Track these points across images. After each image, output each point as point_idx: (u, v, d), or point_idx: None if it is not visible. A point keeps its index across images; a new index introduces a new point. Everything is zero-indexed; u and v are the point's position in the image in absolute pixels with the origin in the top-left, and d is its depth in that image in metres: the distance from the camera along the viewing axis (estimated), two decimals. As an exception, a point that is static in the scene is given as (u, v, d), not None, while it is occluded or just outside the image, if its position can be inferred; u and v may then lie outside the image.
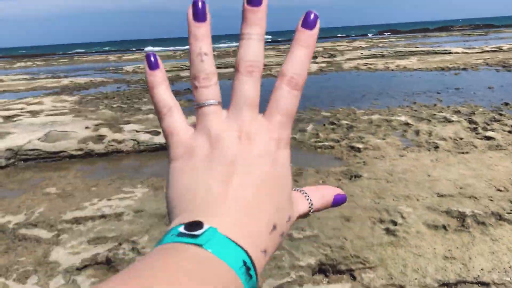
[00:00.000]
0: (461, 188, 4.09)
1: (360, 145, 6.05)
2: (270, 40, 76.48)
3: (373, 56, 21.19)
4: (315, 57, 21.81)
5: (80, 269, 3.34)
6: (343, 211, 3.80)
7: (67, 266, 3.37)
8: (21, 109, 9.98)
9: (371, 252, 3.15)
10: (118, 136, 6.80)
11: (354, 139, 6.44)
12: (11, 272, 3.41)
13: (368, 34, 70.34)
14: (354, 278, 2.97)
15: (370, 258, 3.09)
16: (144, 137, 6.75)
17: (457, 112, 7.76)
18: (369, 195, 4.14)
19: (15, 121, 8.31)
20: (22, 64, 37.81)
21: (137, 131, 7.04)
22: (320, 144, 6.34)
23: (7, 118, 8.75)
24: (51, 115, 8.86)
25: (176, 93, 13.05)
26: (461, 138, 6.04)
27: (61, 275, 3.28)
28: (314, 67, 17.90)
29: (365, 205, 3.89)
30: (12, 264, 3.52)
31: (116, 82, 17.95)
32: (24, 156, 6.26)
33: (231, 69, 19.66)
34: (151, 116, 8.69)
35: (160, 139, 6.74)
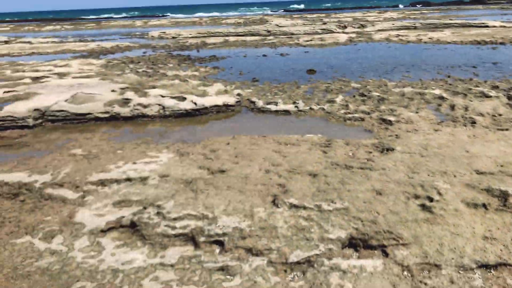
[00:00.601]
0: (502, 166, 3.86)
1: (392, 118, 5.81)
2: (302, 8, 74.85)
3: (405, 27, 20.42)
4: (344, 27, 21.15)
5: (105, 231, 3.30)
6: (374, 184, 3.64)
7: (92, 227, 3.34)
8: (49, 70, 10.00)
9: (405, 228, 3.00)
10: (143, 100, 6.73)
11: (386, 111, 6.19)
12: (37, 231, 3.40)
13: (400, 5, 68.00)
14: (386, 254, 2.84)
15: (404, 234, 2.94)
16: (169, 102, 6.65)
17: (495, 87, 7.37)
18: (402, 169, 3.96)
19: (43, 82, 8.32)
20: (51, 27, 38.00)
21: (162, 96, 6.95)
22: (350, 115, 6.12)
23: (35, 79, 8.77)
24: (78, 77, 8.84)
25: (201, 60, 12.88)
26: (500, 114, 5.73)
27: (86, 236, 3.25)
28: (344, 37, 17.37)
29: (398, 179, 3.72)
30: (39, 223, 3.52)
31: (142, 47, 17.84)
32: (51, 117, 6.25)
33: (258, 37, 19.30)
34: (176, 82, 8.57)
35: (185, 105, 6.63)
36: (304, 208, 3.32)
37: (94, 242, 3.19)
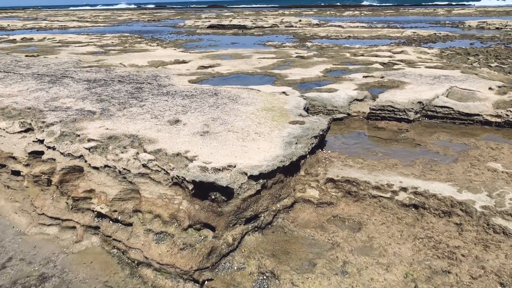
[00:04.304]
0: None
1: None
2: None
3: None
4: None
5: None
6: None
7: None
8: (390, 57, 9.44)
9: None
10: (545, 106, 5.20)
11: None
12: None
13: None
14: None
15: None
16: None
17: None
18: None
19: (397, 69, 7.68)
20: (350, 12, 39.43)
21: None
22: None
23: (385, 65, 8.27)
24: (432, 67, 7.88)
25: None
26: None
27: None
28: None
29: None
30: (507, 271, 2.57)
31: (463, 37, 15.94)
32: (431, 112, 5.42)
33: None
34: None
35: None
36: None
37: None
